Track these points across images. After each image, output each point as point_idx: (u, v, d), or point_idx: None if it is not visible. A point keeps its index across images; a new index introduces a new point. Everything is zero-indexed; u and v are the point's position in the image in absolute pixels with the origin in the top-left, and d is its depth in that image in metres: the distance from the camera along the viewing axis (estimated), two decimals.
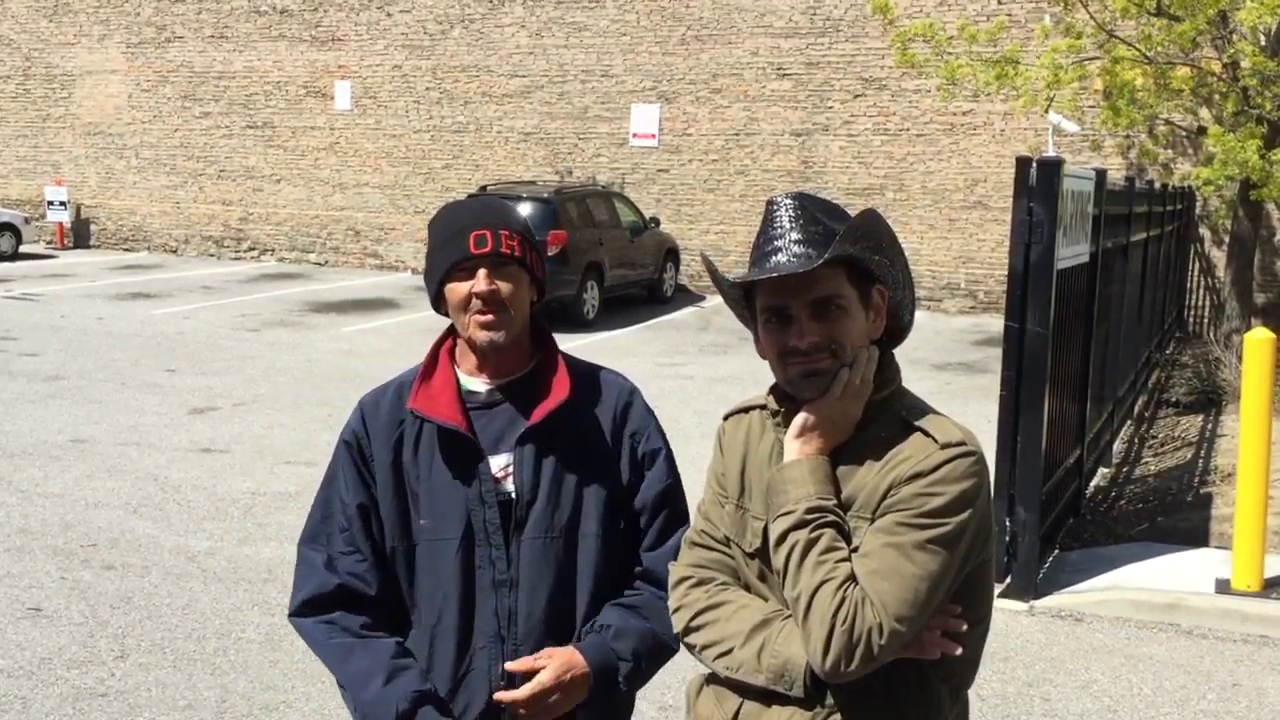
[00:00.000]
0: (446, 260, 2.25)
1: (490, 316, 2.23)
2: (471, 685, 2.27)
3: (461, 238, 2.24)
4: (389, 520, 2.30)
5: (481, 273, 2.22)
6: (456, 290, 2.25)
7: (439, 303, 2.32)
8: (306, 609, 2.32)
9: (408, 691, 2.21)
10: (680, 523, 2.38)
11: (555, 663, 2.23)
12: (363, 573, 2.30)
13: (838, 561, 1.90)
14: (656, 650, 2.32)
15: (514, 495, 2.27)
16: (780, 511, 1.96)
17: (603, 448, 2.33)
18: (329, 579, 2.30)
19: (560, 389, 2.29)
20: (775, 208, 2.03)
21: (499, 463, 2.28)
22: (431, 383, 2.32)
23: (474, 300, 2.23)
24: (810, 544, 1.91)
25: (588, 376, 2.38)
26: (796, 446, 1.99)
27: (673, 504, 2.38)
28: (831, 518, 1.94)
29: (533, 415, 2.28)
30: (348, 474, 2.33)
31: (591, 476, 2.30)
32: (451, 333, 2.36)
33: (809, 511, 1.93)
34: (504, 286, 2.24)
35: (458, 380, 2.33)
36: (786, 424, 2.03)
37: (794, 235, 1.98)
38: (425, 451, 2.29)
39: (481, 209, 2.32)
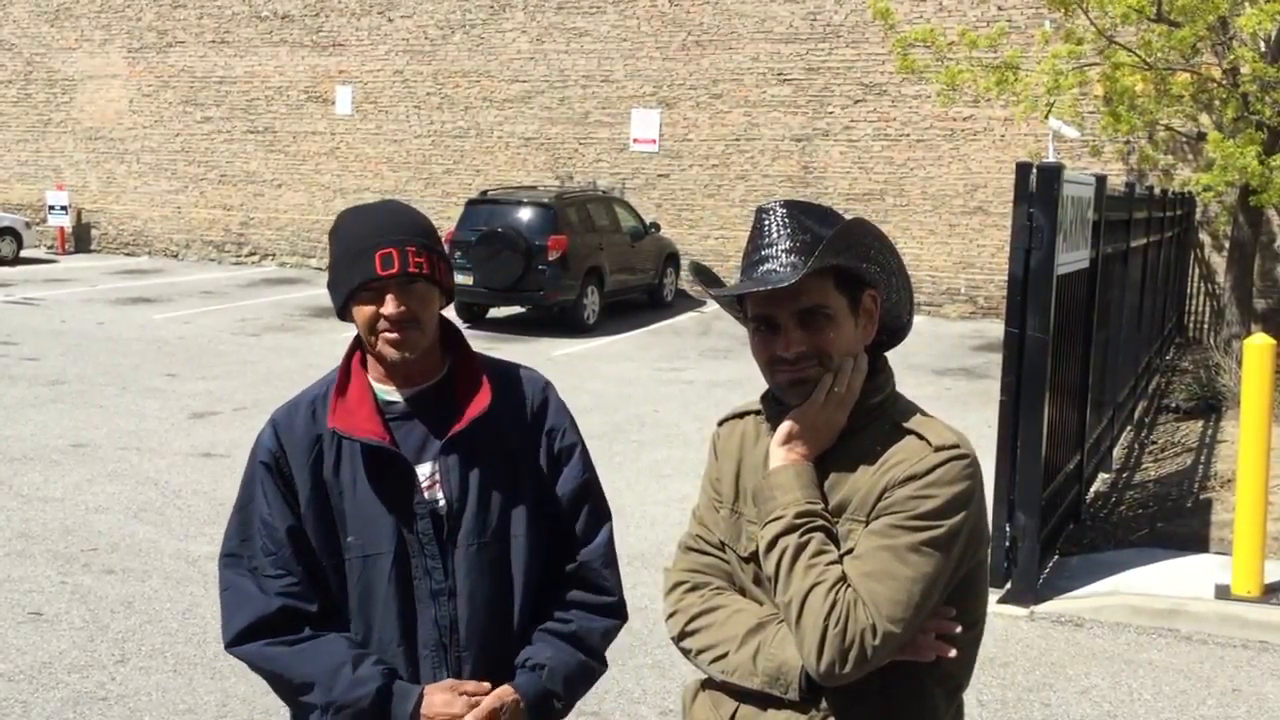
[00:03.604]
0: (352, 280, 2.21)
1: (398, 336, 2.21)
2: None
3: (367, 257, 2.19)
4: (316, 540, 2.26)
5: (389, 296, 2.19)
6: (363, 311, 2.22)
7: (345, 314, 2.27)
8: (249, 636, 2.24)
9: (378, 670, 2.20)
10: (602, 517, 2.38)
11: (495, 692, 2.22)
12: (300, 592, 2.25)
13: (828, 565, 1.91)
14: (588, 676, 2.34)
15: (444, 504, 2.25)
16: (769, 518, 1.97)
17: (524, 447, 2.32)
18: (270, 601, 2.23)
19: (482, 396, 2.27)
20: (765, 216, 2.04)
21: (424, 472, 2.26)
22: (347, 397, 2.28)
23: (382, 320, 2.21)
24: (800, 548, 1.93)
25: (504, 376, 2.36)
26: (782, 453, 2.01)
27: (592, 499, 2.37)
28: (820, 522, 1.95)
29: (456, 423, 2.26)
30: (272, 497, 2.27)
31: (516, 478, 2.30)
32: (360, 343, 2.32)
33: (798, 516, 1.94)
34: (412, 305, 2.21)
35: (373, 391, 2.30)
36: (775, 429, 2.04)
37: (783, 244, 1.99)
38: (348, 468, 2.25)
39: (385, 221, 2.24)
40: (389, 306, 2.19)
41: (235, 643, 2.26)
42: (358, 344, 2.33)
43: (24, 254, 21.98)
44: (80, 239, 24.60)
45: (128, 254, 24.32)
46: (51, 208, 23.76)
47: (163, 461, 8.65)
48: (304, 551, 2.26)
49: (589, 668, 2.33)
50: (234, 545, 2.30)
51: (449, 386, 2.31)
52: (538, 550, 2.31)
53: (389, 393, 2.30)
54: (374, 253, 2.18)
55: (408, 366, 2.27)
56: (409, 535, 2.24)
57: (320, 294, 19.07)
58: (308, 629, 2.24)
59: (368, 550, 2.24)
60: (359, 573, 2.25)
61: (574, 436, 2.38)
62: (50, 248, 24.17)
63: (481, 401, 2.27)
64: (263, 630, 2.24)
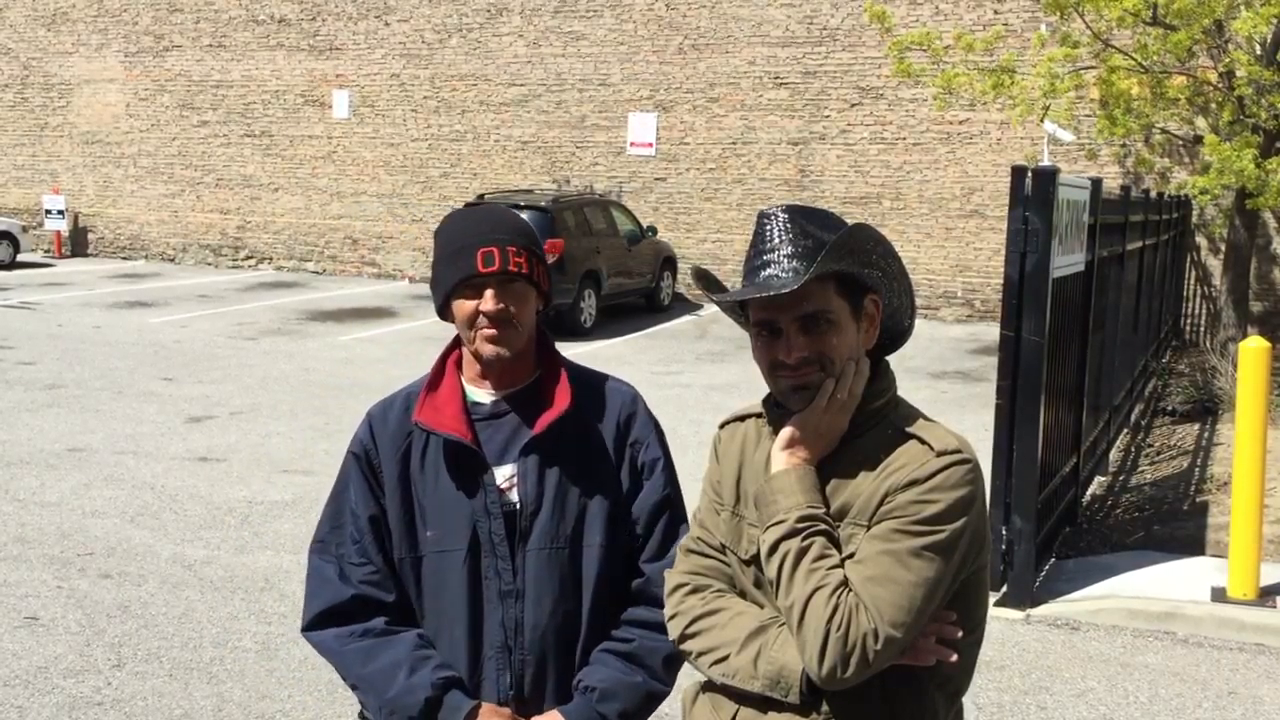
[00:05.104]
0: (454, 276, 2.25)
1: (496, 333, 2.25)
2: (483, 695, 2.28)
3: (469, 254, 2.23)
4: (396, 532, 2.31)
5: (489, 292, 2.23)
6: (463, 306, 2.26)
7: (444, 312, 2.32)
8: (321, 621, 2.31)
9: (433, 678, 2.22)
10: (678, 534, 2.36)
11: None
12: (378, 581, 2.31)
13: (829, 569, 1.91)
14: (648, 702, 2.32)
15: (518, 506, 2.28)
16: (771, 521, 1.98)
17: (606, 457, 2.33)
18: (343, 590, 2.30)
19: (562, 399, 2.30)
20: (766, 220, 2.04)
21: (504, 473, 2.29)
22: (438, 394, 2.33)
23: (481, 317, 2.24)
24: (802, 553, 1.93)
25: (591, 385, 2.39)
26: (784, 457, 2.01)
27: (671, 514, 2.37)
28: (822, 526, 1.95)
29: (535, 426, 2.28)
30: (358, 486, 2.34)
31: (595, 486, 2.31)
32: (458, 343, 2.36)
33: (800, 520, 1.94)
34: (511, 304, 2.25)
35: (464, 391, 2.34)
36: (777, 433, 2.04)
37: (785, 249, 1.99)
38: (432, 463, 2.30)
39: (489, 221, 2.30)
40: (488, 303, 2.23)
41: (309, 628, 2.33)
42: (454, 344, 2.37)
43: (20, 258, 21.97)
44: (77, 243, 24.59)
45: (124, 258, 24.30)
46: (48, 211, 23.75)
47: (159, 466, 8.64)
48: (384, 542, 2.31)
49: (650, 688, 2.31)
50: (324, 532, 2.37)
51: (537, 391, 2.33)
52: (612, 562, 2.31)
53: (479, 393, 2.34)
54: (476, 250, 2.23)
55: (501, 367, 2.30)
56: (482, 534, 2.27)
57: (317, 297, 19.07)
58: (382, 619, 2.29)
59: (443, 545, 2.28)
60: (434, 567, 2.29)
61: (658, 451, 2.39)
62: (47, 251, 24.16)
63: (560, 405, 2.29)
64: (335, 618, 2.29)
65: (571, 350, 14.51)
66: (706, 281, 2.14)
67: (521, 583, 2.27)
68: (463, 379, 2.35)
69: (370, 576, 2.30)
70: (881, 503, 1.94)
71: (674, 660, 2.34)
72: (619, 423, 2.36)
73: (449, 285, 2.26)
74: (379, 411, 2.39)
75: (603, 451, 2.33)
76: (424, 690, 2.20)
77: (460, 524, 2.27)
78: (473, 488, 2.27)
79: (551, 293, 2.38)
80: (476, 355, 2.30)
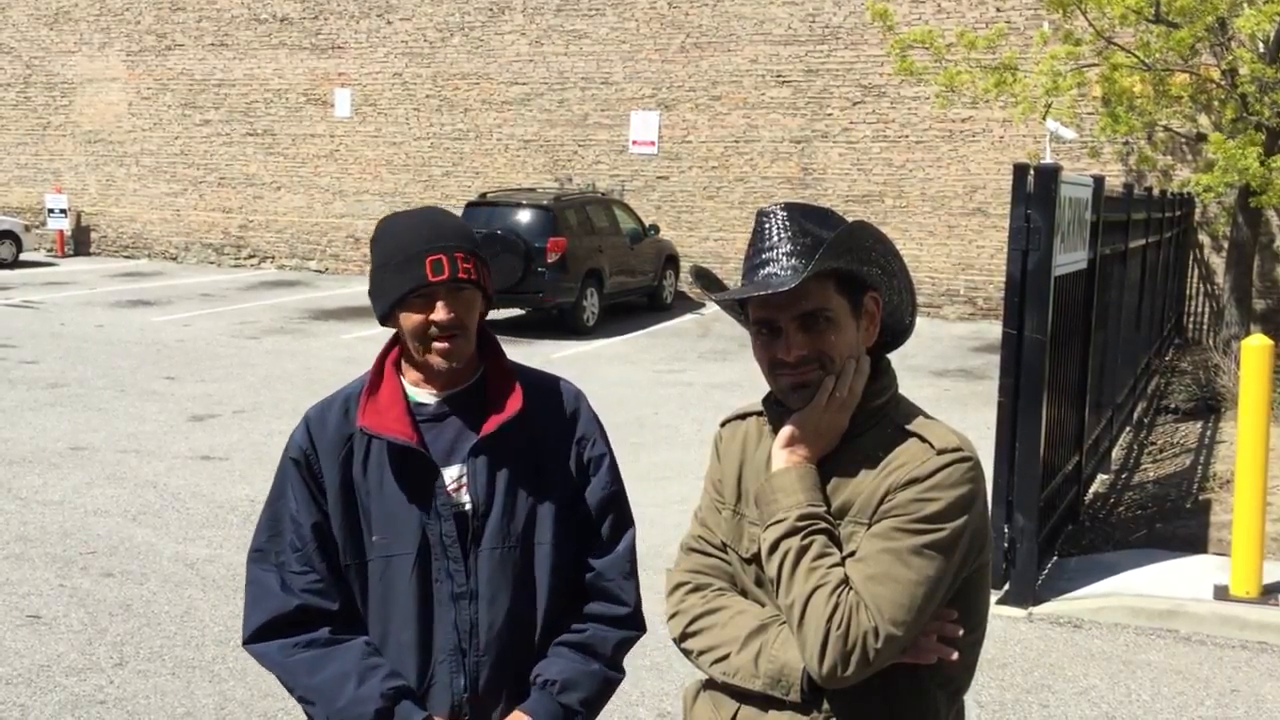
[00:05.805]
0: (402, 286, 2.20)
1: (449, 345, 2.21)
2: (434, 700, 2.25)
3: (417, 262, 2.18)
4: (340, 538, 2.26)
5: (440, 303, 2.19)
6: (412, 318, 2.21)
7: (388, 321, 2.27)
8: (265, 633, 2.25)
9: (383, 688, 2.18)
10: (625, 529, 2.38)
11: None
12: (322, 590, 2.25)
13: (830, 567, 1.91)
14: (606, 688, 2.32)
15: (469, 507, 2.25)
16: (771, 520, 1.97)
17: (554, 455, 2.32)
18: (287, 600, 2.24)
19: (513, 402, 2.27)
20: (765, 219, 2.03)
21: (451, 474, 2.26)
22: (379, 397, 2.28)
23: (432, 328, 2.20)
24: (802, 551, 1.93)
25: (537, 384, 2.37)
26: (784, 455, 2.01)
27: (616, 510, 2.37)
28: (822, 525, 1.95)
29: (485, 427, 2.26)
30: (298, 492, 2.28)
31: (544, 485, 2.29)
32: (396, 342, 2.32)
33: (800, 519, 1.94)
34: (460, 312, 2.21)
35: (405, 392, 2.30)
36: (777, 431, 2.04)
37: (784, 248, 1.99)
38: (375, 467, 2.25)
39: (433, 227, 2.24)
40: (439, 313, 2.19)
41: (251, 640, 2.26)
42: (393, 344, 2.33)
43: (23, 257, 21.99)
44: (79, 242, 24.61)
45: (127, 257, 24.32)
46: (51, 211, 23.77)
47: (161, 464, 8.65)
48: (328, 549, 2.26)
49: (605, 677, 2.31)
50: (262, 540, 2.31)
51: (481, 390, 2.31)
52: (564, 559, 2.30)
53: (421, 394, 2.30)
54: (425, 258, 2.18)
55: (448, 373, 2.27)
56: (432, 537, 2.24)
57: (319, 296, 19.08)
58: (327, 628, 2.24)
59: (391, 550, 2.24)
60: (381, 573, 2.25)
61: (604, 447, 2.38)
62: (50, 251, 24.17)
63: (512, 407, 2.27)
64: (279, 628, 2.24)
65: (573, 349, 14.54)
66: (706, 280, 2.14)
67: (475, 584, 2.24)
68: (403, 380, 2.31)
69: (313, 585, 2.25)
70: (882, 501, 1.94)
71: (624, 648, 2.35)
72: (564, 420, 2.35)
73: (397, 295, 2.21)
74: (316, 415, 2.34)
75: (550, 450, 2.32)
76: (374, 701, 2.16)
77: (408, 528, 2.23)
78: (421, 491, 2.24)
79: (494, 296, 2.34)
80: (425, 365, 2.26)
